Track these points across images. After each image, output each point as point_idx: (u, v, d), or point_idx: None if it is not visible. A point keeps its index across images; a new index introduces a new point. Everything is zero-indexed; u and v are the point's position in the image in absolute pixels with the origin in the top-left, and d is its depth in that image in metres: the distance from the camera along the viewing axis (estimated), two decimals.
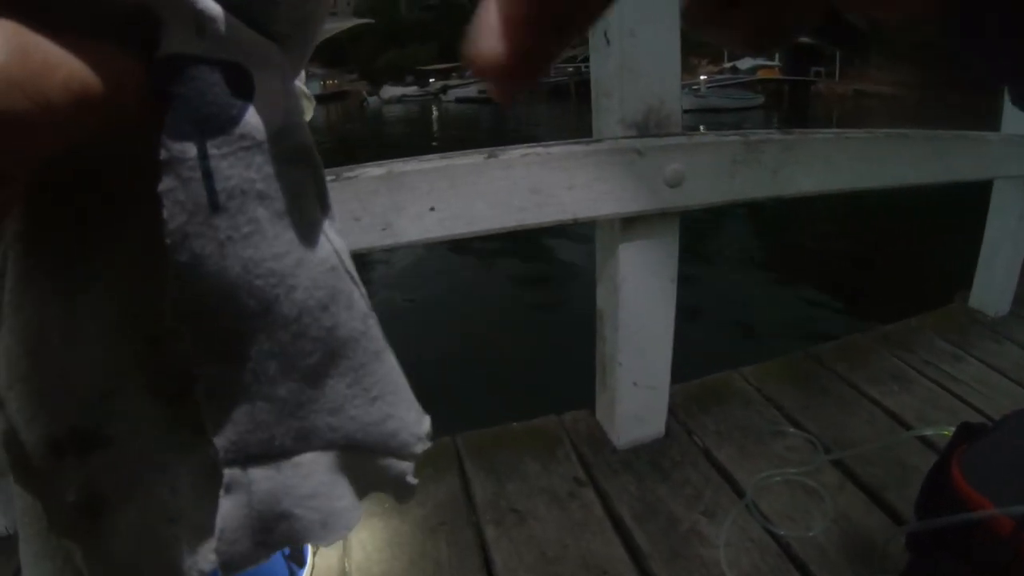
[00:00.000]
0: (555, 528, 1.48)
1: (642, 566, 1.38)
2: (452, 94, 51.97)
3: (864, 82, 38.21)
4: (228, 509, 0.30)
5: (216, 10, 0.25)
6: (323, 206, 0.31)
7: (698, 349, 2.78)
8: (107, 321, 0.30)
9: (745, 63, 40.53)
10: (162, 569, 0.33)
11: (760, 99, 33.95)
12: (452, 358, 4.09)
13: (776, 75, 39.33)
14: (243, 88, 0.26)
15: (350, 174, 1.23)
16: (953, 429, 1.25)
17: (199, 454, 0.32)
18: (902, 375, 2.09)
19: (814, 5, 0.23)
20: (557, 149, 1.37)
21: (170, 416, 0.32)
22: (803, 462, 1.64)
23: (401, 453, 0.35)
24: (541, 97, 47.02)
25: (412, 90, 61.52)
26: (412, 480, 0.36)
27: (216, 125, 0.25)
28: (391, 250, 1.34)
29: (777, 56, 40.64)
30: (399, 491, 0.36)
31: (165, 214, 0.25)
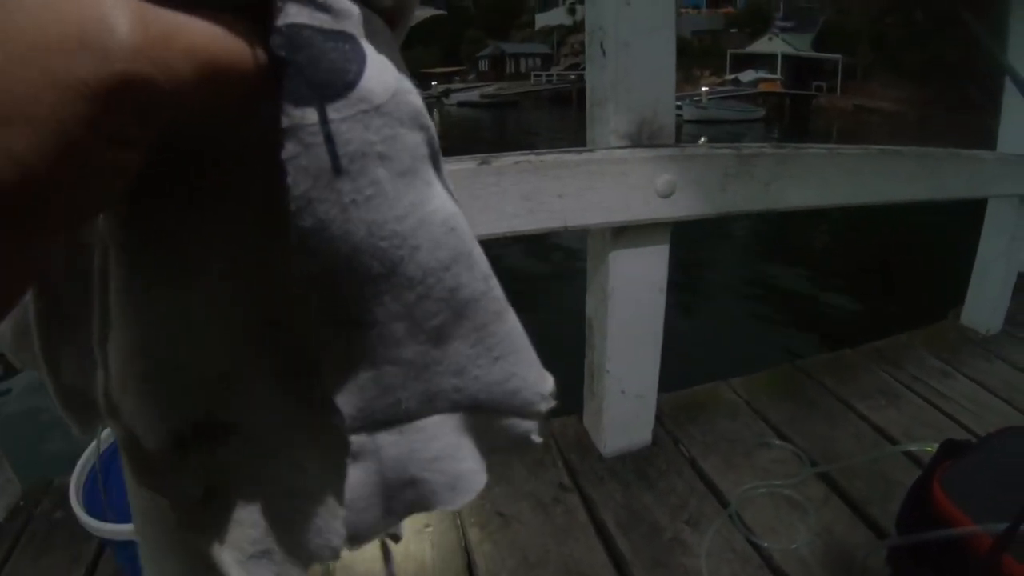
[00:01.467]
0: (538, 533, 1.49)
1: (624, 573, 1.38)
2: (454, 98, 51.90)
3: (865, 97, 38.27)
4: (357, 477, 0.31)
5: None
6: (437, 168, 0.31)
7: (686, 358, 2.78)
8: (225, 307, 0.31)
9: (747, 76, 40.61)
10: (293, 548, 0.33)
11: (761, 112, 33.97)
12: None
13: (778, 88, 39.38)
14: (356, 55, 0.26)
15: None
16: (938, 445, 1.26)
17: (324, 431, 0.31)
18: (891, 390, 2.09)
19: None
20: (550, 157, 1.38)
21: (293, 397, 0.32)
22: (788, 474, 1.65)
23: (525, 412, 0.35)
24: (543, 103, 47.13)
25: None
26: (537, 438, 0.36)
27: (334, 90, 0.26)
28: None
29: (779, 70, 40.79)
30: (523, 450, 0.37)
31: (289, 180, 0.25)
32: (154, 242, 0.29)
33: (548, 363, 0.36)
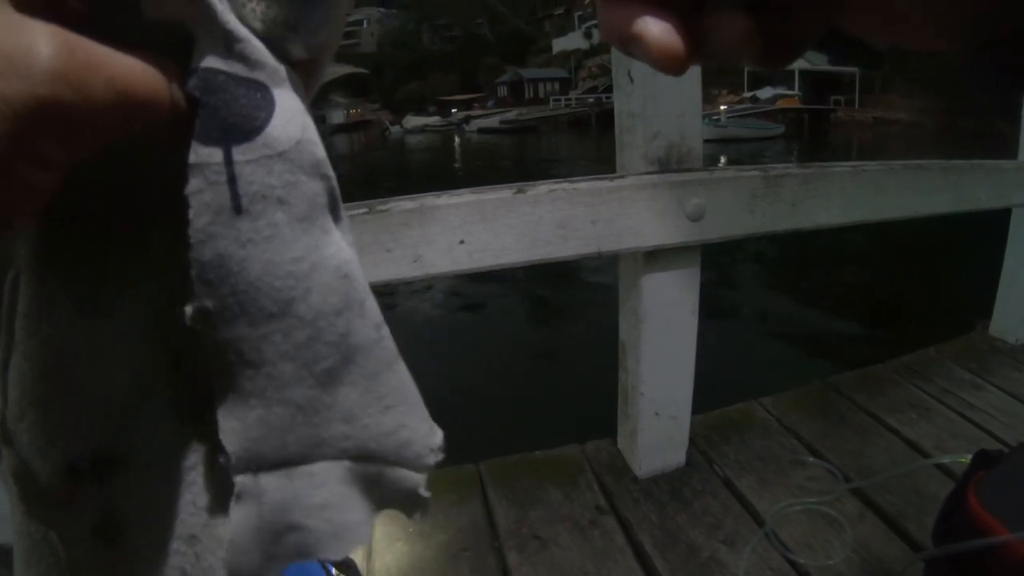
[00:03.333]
0: (577, 555, 1.50)
1: None
2: (474, 124, 52.11)
3: (884, 109, 38.07)
4: (239, 518, 0.30)
5: (243, 32, 0.28)
6: (336, 217, 0.32)
7: (718, 378, 2.79)
8: (132, 340, 0.31)
9: (765, 93, 40.54)
10: None
11: (780, 128, 33.85)
12: (476, 386, 4.12)
13: (796, 104, 39.28)
14: (266, 103, 0.28)
15: (383, 207, 1.27)
16: (971, 457, 1.27)
17: (219, 470, 0.31)
18: (921, 404, 2.09)
19: (817, 20, 0.27)
20: (582, 185, 1.41)
21: (191, 434, 0.32)
22: (823, 491, 1.66)
23: (415, 464, 0.34)
24: (562, 127, 47.19)
25: (434, 120, 61.89)
26: (425, 493, 0.35)
27: (241, 133, 0.27)
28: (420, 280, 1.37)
29: (797, 85, 40.63)
30: (412, 505, 0.35)
31: (191, 214, 0.26)
32: (66, 269, 0.30)
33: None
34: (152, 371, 0.32)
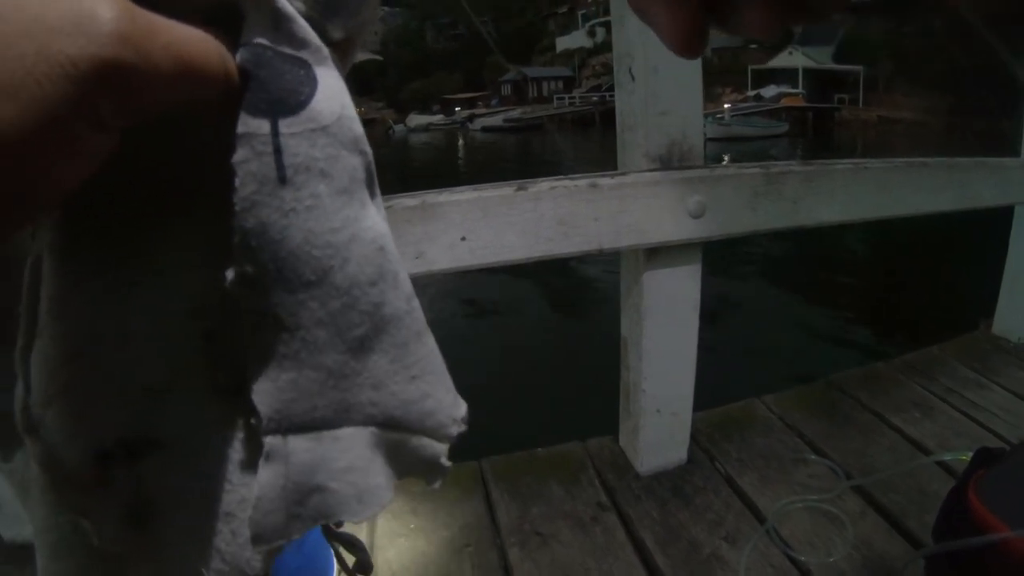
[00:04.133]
0: (578, 551, 1.50)
1: None
2: (478, 123, 52.12)
3: (888, 108, 38.02)
4: (266, 478, 0.31)
5: (291, 11, 0.29)
6: (372, 192, 0.34)
7: (721, 376, 2.79)
8: (163, 319, 0.32)
9: (769, 91, 40.47)
10: (221, 566, 0.33)
11: (784, 127, 33.84)
12: (478, 383, 4.10)
13: (800, 103, 39.22)
14: (310, 80, 0.29)
15: (385, 204, 1.27)
16: (972, 454, 1.27)
17: (255, 445, 0.32)
18: (924, 403, 2.09)
19: None
20: (583, 182, 1.42)
21: (224, 412, 0.33)
22: (824, 489, 1.66)
23: (437, 434, 0.36)
24: (566, 126, 47.20)
25: (438, 119, 61.90)
26: (446, 462, 0.36)
27: (288, 106, 0.28)
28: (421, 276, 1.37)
29: (800, 84, 40.58)
30: (432, 472, 0.36)
31: (237, 182, 0.27)
32: (95, 250, 0.30)
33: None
34: (185, 349, 0.32)
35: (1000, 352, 2.45)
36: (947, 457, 1.73)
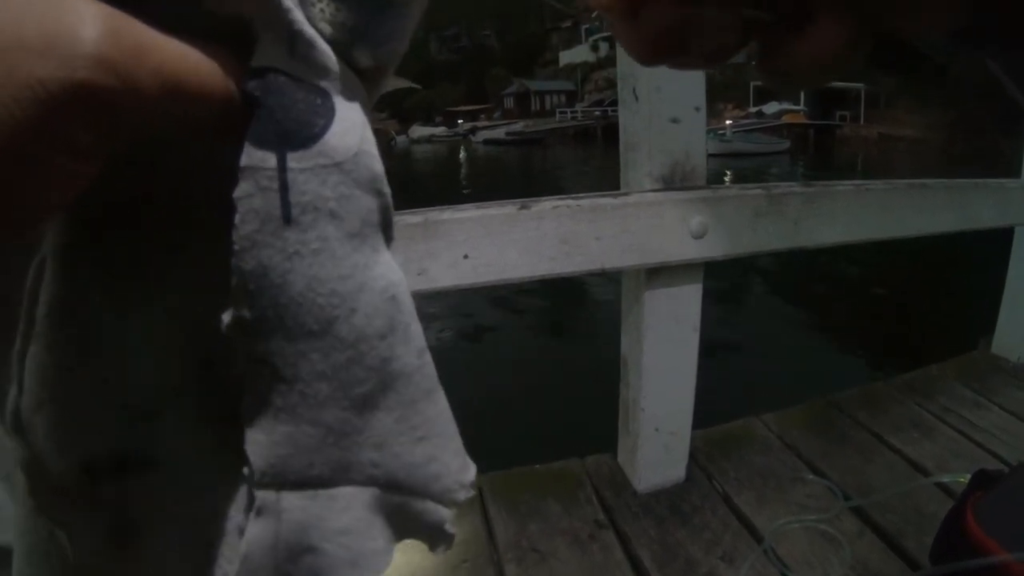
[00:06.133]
0: (575, 569, 1.50)
1: None
2: (480, 136, 52.21)
3: (889, 125, 38.06)
4: (255, 534, 0.29)
5: (310, 33, 0.26)
6: (387, 237, 0.31)
7: (719, 394, 2.79)
8: (161, 340, 0.30)
9: (771, 108, 40.57)
10: None
11: (786, 144, 33.88)
12: (477, 399, 4.12)
13: (801, 120, 39.34)
14: (326, 110, 0.27)
15: None
16: (970, 476, 1.27)
17: (243, 479, 0.30)
18: (923, 423, 2.09)
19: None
20: (586, 202, 1.42)
21: (217, 440, 0.31)
22: (822, 509, 1.66)
23: (443, 499, 0.33)
24: (568, 140, 47.30)
25: (440, 130, 62.06)
26: (451, 529, 0.34)
27: (298, 139, 0.26)
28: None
29: (802, 100, 40.68)
30: (435, 538, 0.34)
31: (237, 219, 0.25)
32: (100, 263, 0.29)
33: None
34: (180, 372, 0.31)
35: (999, 372, 2.45)
36: (945, 479, 1.73)
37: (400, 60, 0.32)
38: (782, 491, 1.76)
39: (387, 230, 0.31)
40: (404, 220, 1.29)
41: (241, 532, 0.31)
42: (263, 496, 0.29)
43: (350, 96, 0.28)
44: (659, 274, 1.57)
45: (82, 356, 0.29)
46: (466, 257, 1.34)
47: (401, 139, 57.83)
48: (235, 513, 0.32)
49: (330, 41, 0.28)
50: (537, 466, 1.90)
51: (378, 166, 0.29)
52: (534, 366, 5.30)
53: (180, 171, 0.30)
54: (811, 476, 1.81)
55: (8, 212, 0.21)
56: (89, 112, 0.21)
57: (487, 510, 1.70)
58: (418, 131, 61.30)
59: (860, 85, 41.20)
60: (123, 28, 0.21)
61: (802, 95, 40.96)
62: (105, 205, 0.29)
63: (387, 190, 0.30)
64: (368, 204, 0.29)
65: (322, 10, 0.27)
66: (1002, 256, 2.49)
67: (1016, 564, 1.04)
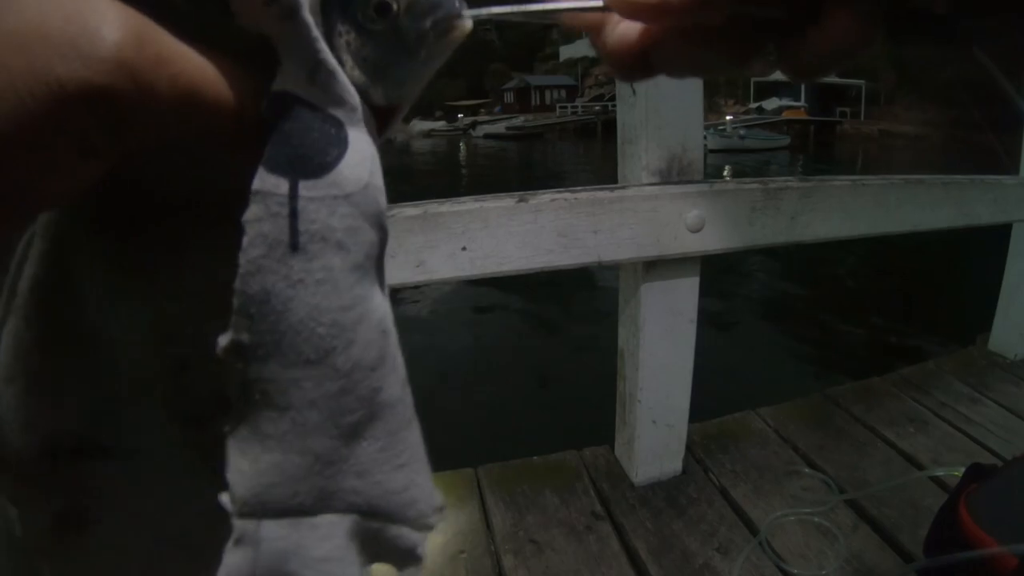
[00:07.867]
0: (572, 559, 1.51)
1: None
2: (481, 130, 52.16)
3: (889, 121, 38.06)
4: (233, 563, 0.28)
5: (332, 63, 0.26)
6: (380, 270, 0.31)
7: (716, 387, 2.80)
8: (142, 335, 0.30)
9: (771, 103, 40.52)
10: None
11: (786, 140, 33.82)
12: (476, 392, 4.14)
13: (802, 115, 39.26)
14: (339, 140, 0.27)
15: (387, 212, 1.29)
16: (964, 470, 1.28)
17: (204, 480, 0.30)
18: (919, 417, 2.10)
19: None
20: (584, 195, 1.43)
21: (182, 439, 0.32)
22: (818, 502, 1.67)
23: (417, 523, 0.33)
24: (568, 135, 47.24)
25: (440, 125, 61.86)
26: (421, 552, 0.34)
27: (311, 168, 0.26)
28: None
29: (803, 96, 40.62)
30: (406, 561, 0.34)
31: (245, 242, 0.25)
32: (96, 254, 0.30)
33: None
34: (155, 369, 0.31)
35: (995, 368, 2.46)
36: (940, 472, 1.74)
37: (414, 99, 0.32)
38: (778, 484, 1.77)
39: (381, 264, 0.31)
40: (403, 212, 1.30)
41: (195, 533, 0.31)
42: (242, 526, 0.28)
43: (363, 128, 0.28)
44: (656, 267, 1.58)
45: (60, 336, 0.30)
46: (464, 249, 1.34)
47: (400, 134, 57.74)
48: (191, 514, 0.32)
49: (349, 74, 0.28)
50: (535, 458, 1.91)
51: (383, 200, 0.29)
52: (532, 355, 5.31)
53: (186, 179, 0.30)
54: (807, 469, 1.82)
55: (9, 200, 0.21)
56: (102, 114, 0.21)
57: (485, 501, 1.71)
58: (418, 125, 61.06)
59: (861, 82, 41.19)
60: (145, 34, 0.21)
61: (802, 91, 40.93)
62: (104, 198, 0.29)
63: (387, 226, 0.30)
64: (371, 238, 0.29)
65: (348, 42, 0.28)
66: (1000, 253, 2.49)
67: (1008, 556, 1.04)
